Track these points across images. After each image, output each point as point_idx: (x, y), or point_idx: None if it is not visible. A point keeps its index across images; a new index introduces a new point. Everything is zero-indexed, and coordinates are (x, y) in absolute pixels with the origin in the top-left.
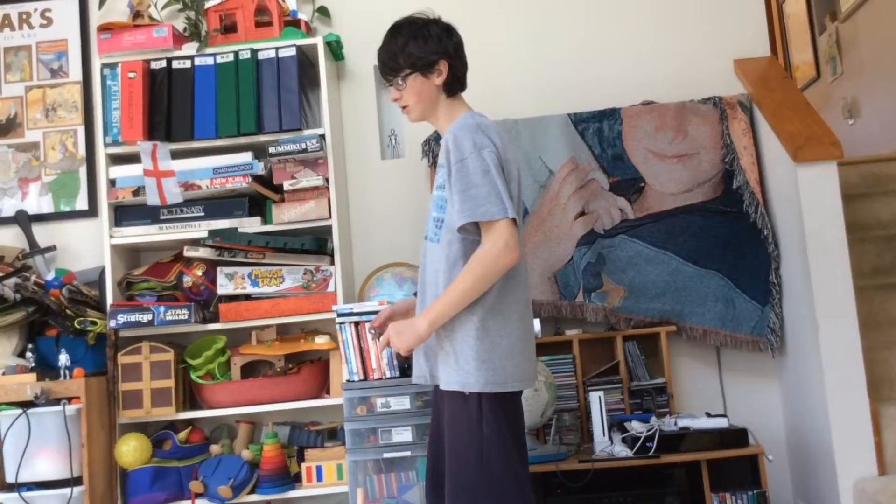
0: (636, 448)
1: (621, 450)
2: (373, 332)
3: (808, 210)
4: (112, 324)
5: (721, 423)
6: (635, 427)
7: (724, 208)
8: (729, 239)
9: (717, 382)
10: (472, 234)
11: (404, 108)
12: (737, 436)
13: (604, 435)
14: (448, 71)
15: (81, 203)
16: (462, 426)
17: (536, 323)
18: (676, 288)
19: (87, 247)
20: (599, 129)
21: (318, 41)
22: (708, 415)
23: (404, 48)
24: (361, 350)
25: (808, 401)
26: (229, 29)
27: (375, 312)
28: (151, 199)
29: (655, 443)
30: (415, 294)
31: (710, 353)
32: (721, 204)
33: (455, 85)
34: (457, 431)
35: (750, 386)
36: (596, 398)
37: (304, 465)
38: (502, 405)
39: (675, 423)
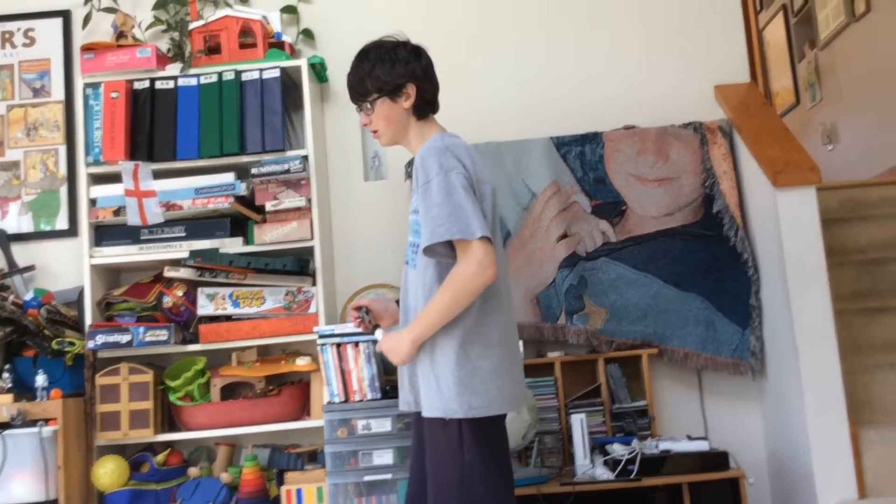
0: (618, 471)
1: (603, 472)
2: (359, 316)
3: (787, 234)
4: (90, 344)
5: (702, 445)
6: (617, 450)
7: (704, 232)
8: (710, 262)
9: (699, 405)
10: (444, 256)
11: (374, 132)
12: (718, 459)
13: (585, 458)
14: (416, 94)
15: (62, 223)
16: (443, 452)
17: (519, 345)
18: (658, 310)
19: (67, 267)
20: (581, 153)
21: (303, 63)
22: (689, 437)
23: (371, 72)
24: (343, 372)
25: (788, 424)
26: (213, 50)
27: (358, 334)
28: (132, 219)
29: (637, 465)
30: (396, 302)
31: (692, 375)
32: (702, 227)
33: (425, 107)
34: (438, 458)
35: (731, 409)
36: (578, 421)
37: (283, 489)
38: (484, 429)
39: (657, 446)
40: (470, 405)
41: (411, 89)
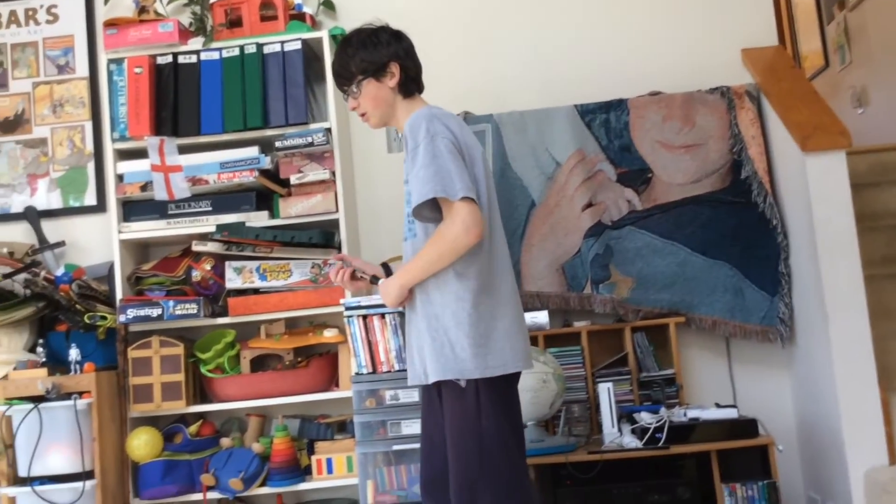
0: (646, 439)
1: (631, 441)
2: (334, 263)
3: (816, 200)
4: (122, 318)
5: (731, 413)
6: (645, 418)
7: (732, 198)
8: (737, 229)
9: (727, 373)
10: (434, 220)
11: (363, 115)
12: (746, 426)
13: (613, 426)
14: (400, 72)
15: (90, 198)
16: (461, 420)
17: (544, 315)
18: (685, 279)
19: (96, 242)
20: (606, 121)
21: (324, 34)
22: (717, 405)
23: (355, 56)
24: (370, 343)
25: (818, 391)
26: (235, 23)
27: (383, 305)
28: (159, 194)
29: (665, 434)
30: (382, 265)
31: (720, 343)
32: (729, 194)
33: (410, 85)
34: (456, 427)
35: (759, 376)
36: (605, 389)
37: (314, 458)
38: (500, 394)
39: (685, 414)
40: (486, 365)
41: (395, 68)
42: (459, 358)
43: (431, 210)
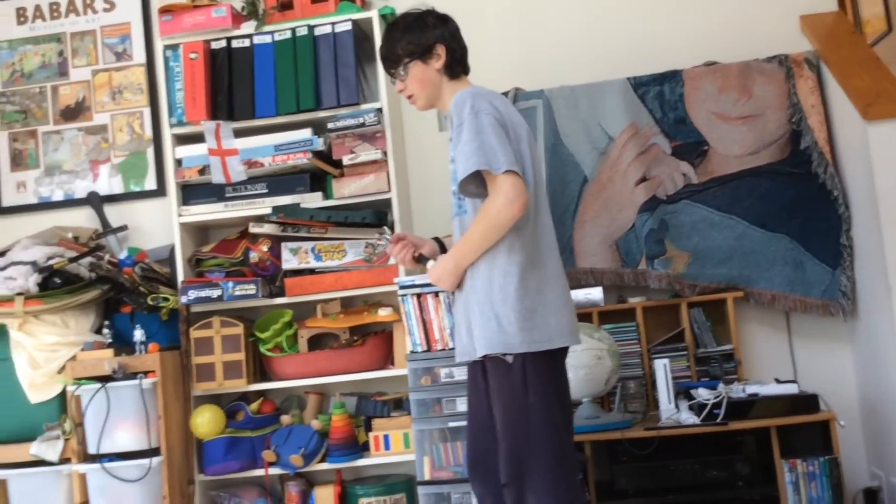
0: (703, 415)
1: (688, 417)
2: (388, 239)
3: (879, 169)
4: (183, 300)
5: (791, 388)
6: (702, 394)
7: (791, 170)
8: (797, 201)
9: (787, 348)
10: (480, 196)
11: (410, 97)
12: (807, 401)
13: (670, 402)
14: (446, 54)
15: (150, 183)
16: (508, 396)
17: (598, 291)
18: (743, 252)
19: (157, 225)
20: (660, 93)
21: (374, 14)
22: (777, 381)
23: (401, 39)
24: (424, 322)
25: (881, 365)
26: (286, 6)
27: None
28: (216, 177)
29: (723, 410)
30: (435, 239)
31: (779, 318)
32: (788, 165)
33: (456, 67)
34: (504, 402)
35: (820, 351)
36: (661, 366)
37: (371, 435)
38: (546, 365)
39: (744, 390)
40: (532, 339)
41: (441, 50)
42: (506, 332)
43: (477, 185)
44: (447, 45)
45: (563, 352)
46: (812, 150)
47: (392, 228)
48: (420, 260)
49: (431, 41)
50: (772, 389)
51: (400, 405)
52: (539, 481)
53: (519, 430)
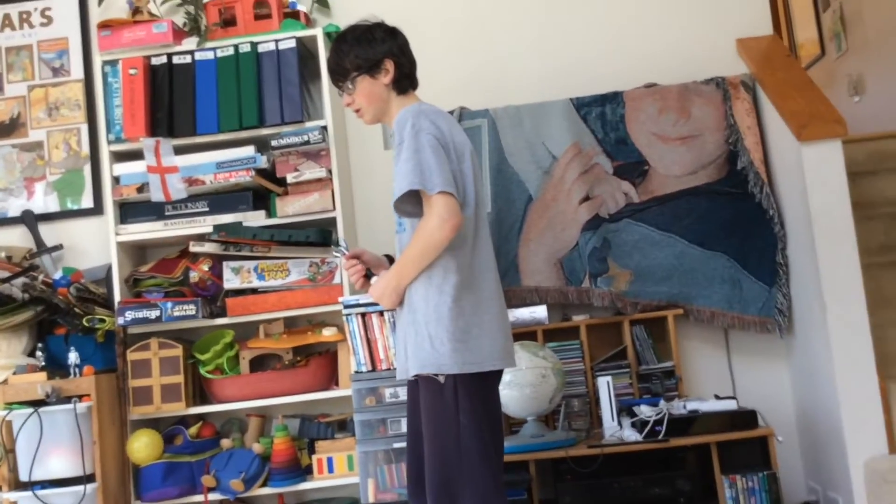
0: (646, 432)
1: (631, 434)
2: (343, 250)
3: (813, 189)
4: (120, 321)
5: (730, 405)
6: (644, 411)
7: (729, 189)
8: (735, 220)
9: (726, 364)
10: (416, 215)
11: (357, 111)
12: (746, 417)
13: (613, 420)
14: (395, 69)
15: (87, 201)
16: (438, 417)
17: (543, 309)
18: (683, 270)
19: (94, 245)
20: (602, 113)
21: (318, 32)
22: (717, 397)
23: (349, 52)
24: (369, 341)
25: (817, 381)
26: (229, 22)
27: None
28: (156, 195)
29: (665, 426)
30: (385, 255)
31: (718, 335)
32: (726, 185)
33: (404, 82)
34: (434, 423)
35: (758, 367)
36: (604, 383)
37: (314, 457)
38: (478, 388)
39: (685, 407)
40: (465, 360)
41: (389, 65)
42: (439, 352)
43: (413, 205)
44: (395, 59)
45: (496, 374)
46: (749, 170)
47: (339, 246)
48: (368, 276)
49: (380, 56)
50: (711, 406)
51: (344, 427)
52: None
53: (449, 452)
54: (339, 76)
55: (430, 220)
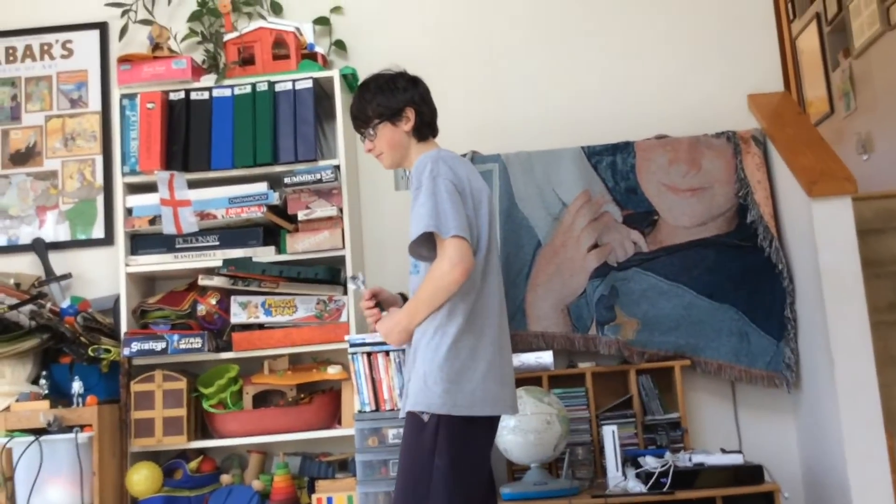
0: (650, 484)
1: (635, 485)
2: (360, 283)
3: (822, 245)
4: (126, 352)
5: (736, 459)
6: (649, 462)
7: (738, 242)
8: (743, 273)
9: (732, 418)
10: (429, 259)
11: (378, 156)
12: (752, 472)
13: (617, 470)
14: (415, 117)
15: (98, 231)
16: (416, 453)
17: (549, 355)
18: (691, 321)
19: (103, 275)
20: (613, 163)
21: (335, 74)
22: (723, 451)
23: (372, 101)
24: (374, 381)
25: (824, 437)
26: (247, 61)
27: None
28: (167, 227)
29: (670, 478)
30: (399, 294)
31: (725, 387)
32: (735, 238)
33: (424, 130)
34: (408, 458)
35: (765, 421)
36: (609, 432)
37: (314, 497)
38: (461, 435)
39: (690, 459)
40: (455, 402)
41: (410, 113)
42: (431, 391)
43: (428, 248)
44: (416, 108)
45: (486, 421)
46: (758, 224)
47: (345, 285)
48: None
49: (401, 104)
50: (717, 459)
51: (345, 466)
52: None
53: (418, 489)
54: (362, 123)
55: (442, 263)
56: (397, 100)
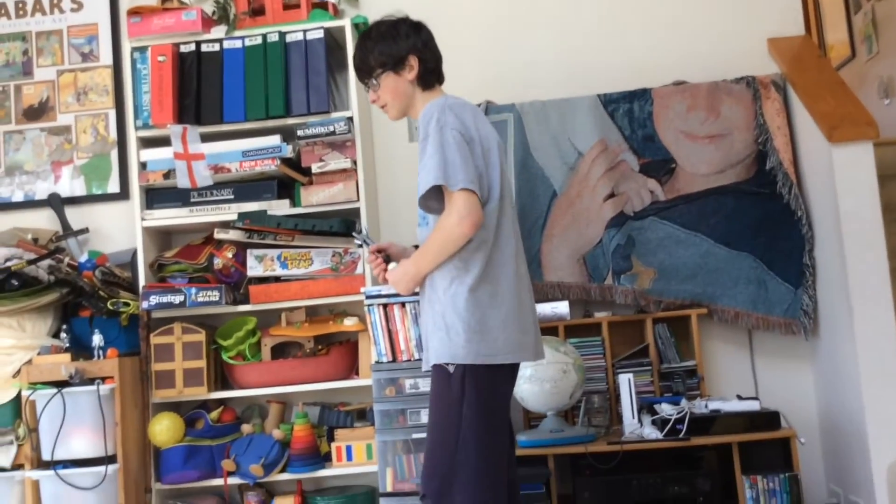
0: (666, 430)
1: (651, 432)
2: (365, 240)
3: (843, 191)
4: (144, 305)
5: (753, 405)
6: (665, 409)
7: (757, 189)
8: (762, 220)
9: (749, 365)
10: (438, 211)
11: (383, 107)
12: (768, 418)
13: (633, 417)
14: (419, 65)
15: (113, 186)
16: (444, 404)
17: (565, 305)
18: (708, 270)
19: (119, 229)
20: (630, 110)
21: (346, 23)
22: (739, 398)
23: (374, 50)
24: (390, 332)
25: (841, 384)
26: (257, 12)
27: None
28: (182, 181)
29: (686, 425)
30: (415, 247)
31: (742, 335)
32: (754, 185)
33: (429, 77)
34: (438, 409)
35: (782, 369)
36: (625, 380)
37: (333, 445)
38: (488, 383)
39: (706, 406)
40: (478, 352)
41: (413, 61)
42: (454, 343)
43: (437, 200)
44: (420, 55)
45: (508, 368)
46: (777, 171)
47: (363, 237)
48: (387, 261)
49: (404, 52)
50: (734, 406)
51: (363, 416)
52: (458, 499)
53: (447, 443)
54: (365, 73)
55: (450, 216)
56: (399, 47)
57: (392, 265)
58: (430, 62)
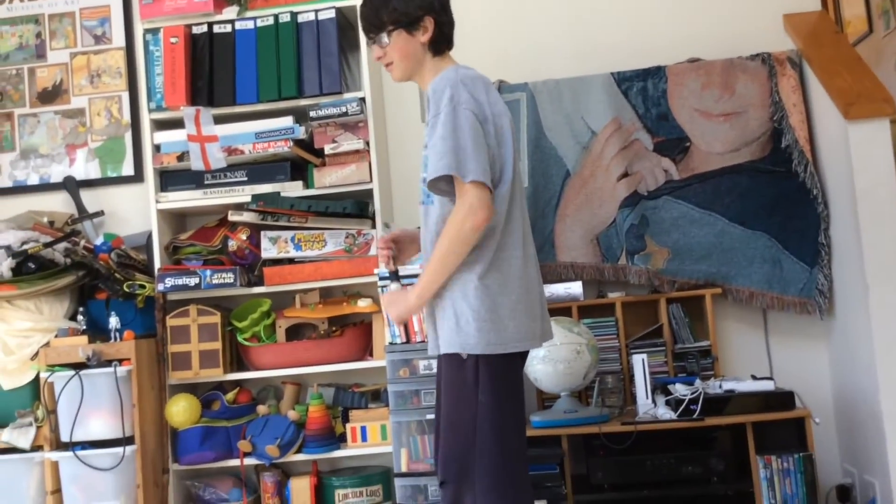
0: (680, 411)
1: (665, 412)
2: (387, 253)
3: (859, 169)
4: (160, 287)
5: (767, 385)
6: (679, 390)
7: (772, 168)
8: (777, 199)
9: (763, 345)
10: (448, 193)
11: (388, 65)
12: (783, 398)
13: (647, 398)
14: (434, 27)
15: (127, 168)
16: (458, 392)
17: (578, 285)
18: (722, 249)
19: (134, 212)
20: (644, 88)
21: (357, 3)
22: (753, 378)
23: (388, 3)
24: None
25: (856, 363)
26: None
27: (417, 276)
28: (196, 164)
29: (700, 405)
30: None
31: (757, 315)
32: (769, 163)
33: (441, 43)
34: (453, 397)
35: (797, 348)
36: (639, 361)
37: (348, 426)
38: (500, 368)
39: (720, 386)
40: (488, 341)
41: (429, 22)
42: (464, 331)
43: (447, 182)
44: (436, 17)
45: (519, 356)
46: (793, 149)
47: (373, 219)
48: (392, 277)
49: (420, 12)
50: (748, 386)
51: (378, 397)
52: (479, 484)
53: (464, 428)
54: (374, 28)
55: (461, 209)
56: (415, 5)
57: (393, 286)
58: (445, 26)
